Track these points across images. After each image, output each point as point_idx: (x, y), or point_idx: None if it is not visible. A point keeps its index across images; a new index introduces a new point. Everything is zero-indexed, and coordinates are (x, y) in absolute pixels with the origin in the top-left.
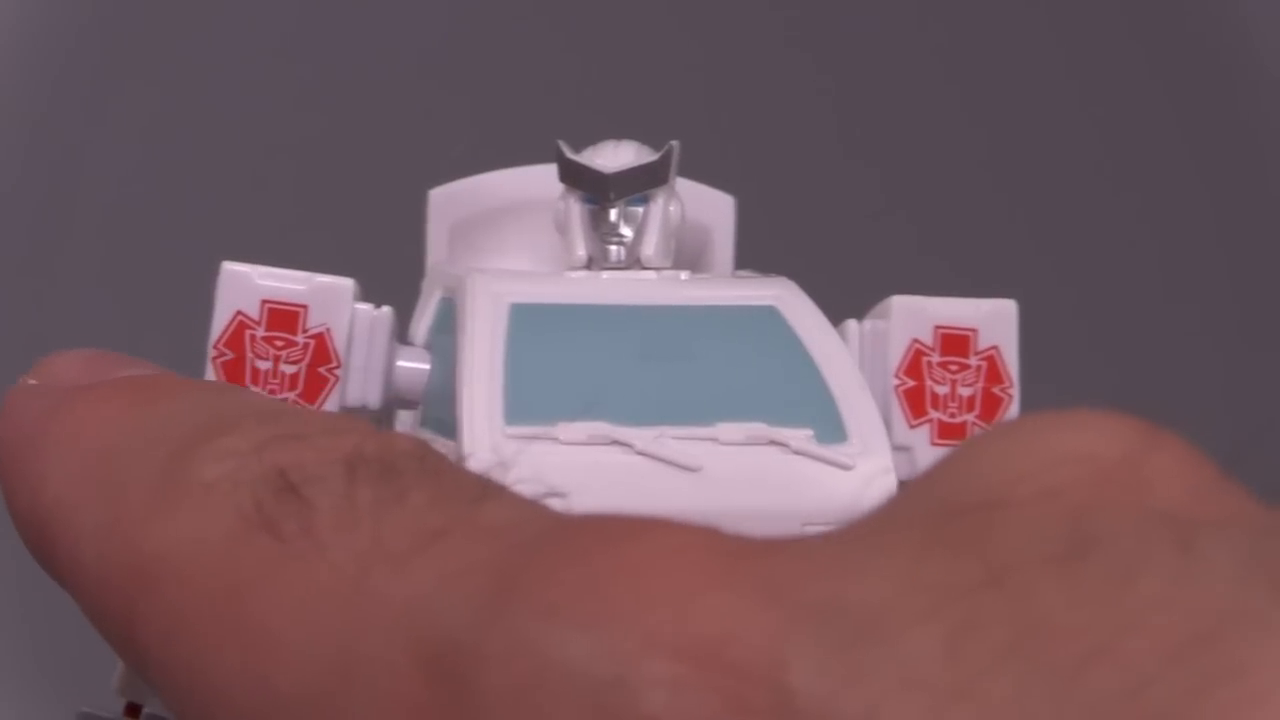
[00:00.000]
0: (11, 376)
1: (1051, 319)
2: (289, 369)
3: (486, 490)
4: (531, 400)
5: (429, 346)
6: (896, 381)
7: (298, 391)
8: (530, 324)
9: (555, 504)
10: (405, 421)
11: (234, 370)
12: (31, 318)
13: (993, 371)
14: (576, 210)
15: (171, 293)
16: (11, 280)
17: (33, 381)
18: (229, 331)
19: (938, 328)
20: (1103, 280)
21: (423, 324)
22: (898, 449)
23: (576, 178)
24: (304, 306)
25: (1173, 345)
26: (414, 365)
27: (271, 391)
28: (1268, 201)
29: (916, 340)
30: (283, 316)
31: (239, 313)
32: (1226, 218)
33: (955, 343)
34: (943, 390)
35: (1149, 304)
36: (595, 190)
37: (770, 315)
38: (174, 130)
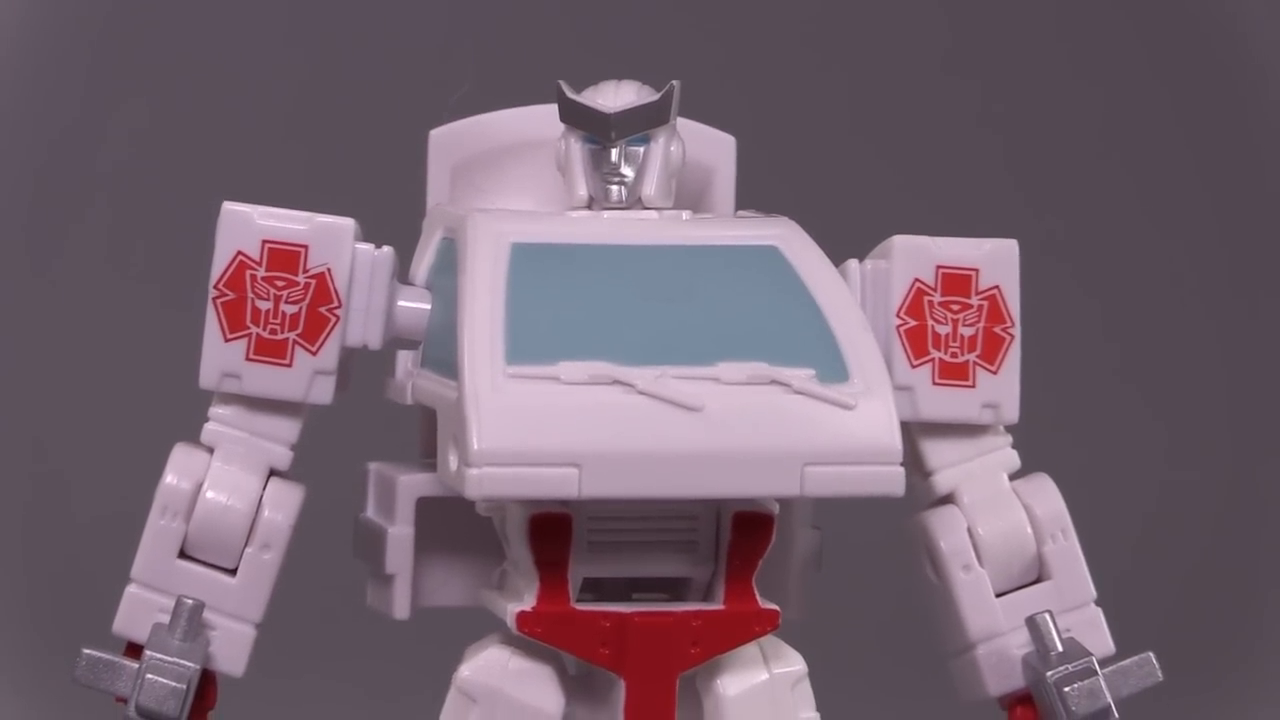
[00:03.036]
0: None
1: (1054, 259)
2: (289, 309)
3: None
4: (533, 340)
5: (430, 287)
6: (898, 321)
7: (298, 331)
8: (531, 264)
9: (568, 473)
10: (406, 361)
11: (234, 310)
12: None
13: (994, 311)
14: (577, 150)
15: (170, 235)
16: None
17: None
18: (229, 271)
19: (939, 267)
20: (1103, 219)
21: (423, 264)
22: (899, 388)
23: (578, 118)
24: (305, 246)
25: (1171, 287)
26: (415, 305)
27: (272, 332)
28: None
29: (918, 280)
30: (283, 256)
31: (239, 253)
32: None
33: (957, 282)
34: (944, 330)
35: (1147, 246)
36: (596, 130)
37: (772, 255)
38: (174, 71)
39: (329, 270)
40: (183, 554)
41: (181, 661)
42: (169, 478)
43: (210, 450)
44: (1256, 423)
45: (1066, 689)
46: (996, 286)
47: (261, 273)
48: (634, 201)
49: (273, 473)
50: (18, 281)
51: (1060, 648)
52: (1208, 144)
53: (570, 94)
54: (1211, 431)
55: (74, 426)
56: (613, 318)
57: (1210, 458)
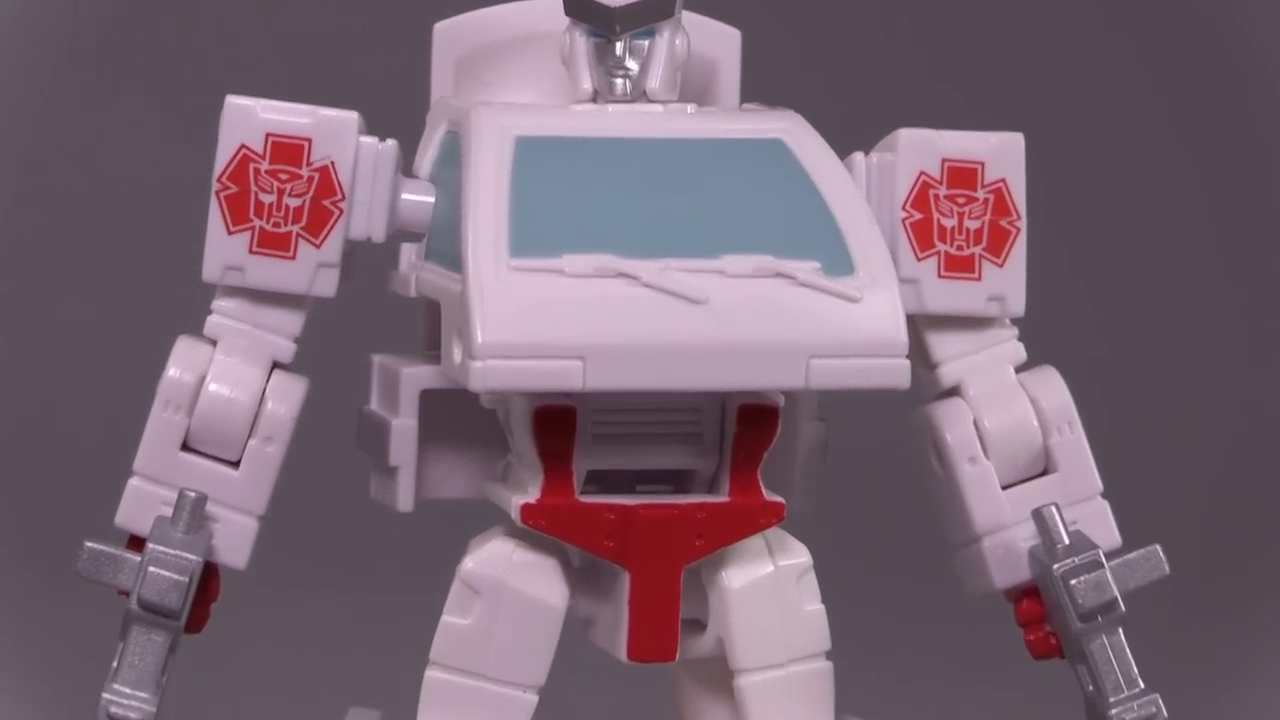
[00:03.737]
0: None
1: (1059, 153)
2: (293, 202)
3: None
4: (537, 233)
5: (434, 180)
6: (904, 214)
7: (302, 224)
8: (535, 157)
9: (572, 365)
10: (409, 254)
11: (237, 203)
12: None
13: (1000, 204)
14: (582, 44)
15: (170, 131)
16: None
17: None
18: (233, 165)
19: (945, 160)
20: (1111, 115)
21: (427, 158)
22: (904, 281)
23: (582, 11)
24: (308, 139)
25: (1183, 181)
26: (419, 198)
27: (275, 225)
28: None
29: (924, 173)
30: (287, 149)
31: (243, 146)
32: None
33: (963, 175)
34: (950, 223)
35: (1159, 137)
36: (601, 24)
37: (777, 148)
38: None
39: (333, 163)
40: (185, 447)
41: (184, 554)
42: (171, 370)
43: (213, 343)
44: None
45: (1073, 581)
46: (1003, 180)
47: (265, 166)
48: (638, 95)
49: (276, 365)
50: (20, 175)
51: (1066, 540)
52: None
53: None
54: (1223, 325)
55: (75, 324)
56: (617, 210)
57: (1224, 354)
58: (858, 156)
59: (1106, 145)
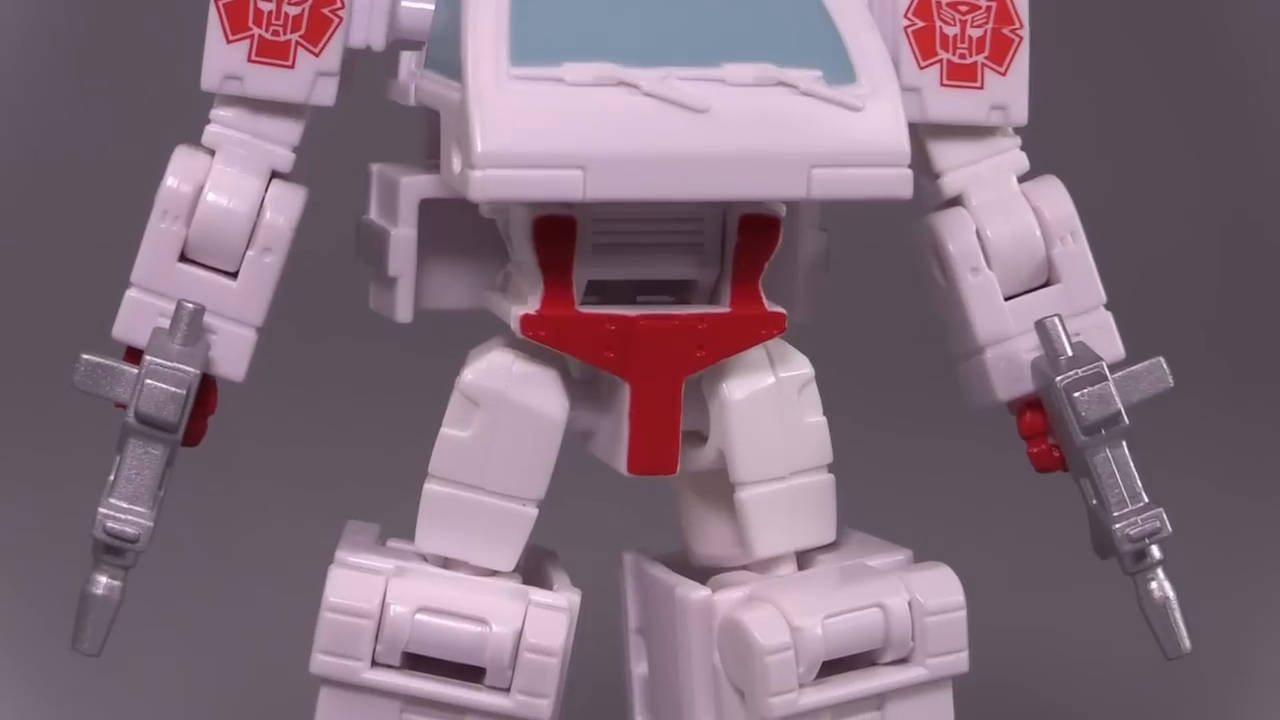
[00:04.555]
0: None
1: None
2: (292, 10)
3: None
4: (537, 40)
5: None
6: (906, 22)
7: (301, 33)
8: None
9: (572, 174)
10: (409, 62)
11: (236, 12)
12: None
13: (1003, 12)
14: None
15: None
16: None
17: None
18: None
19: None
20: None
21: None
22: (907, 90)
23: None
24: None
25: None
26: (418, 5)
27: (274, 33)
28: None
29: None
30: None
31: None
32: None
33: None
34: (952, 31)
35: None
36: None
37: None
38: None
39: None
40: (183, 258)
41: (181, 366)
42: (169, 180)
43: (211, 153)
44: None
45: (1076, 394)
46: None
47: None
48: None
49: (274, 175)
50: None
51: (1070, 352)
52: None
53: None
54: (1222, 137)
55: (73, 134)
56: (617, 17)
57: (1222, 163)
58: None
59: None
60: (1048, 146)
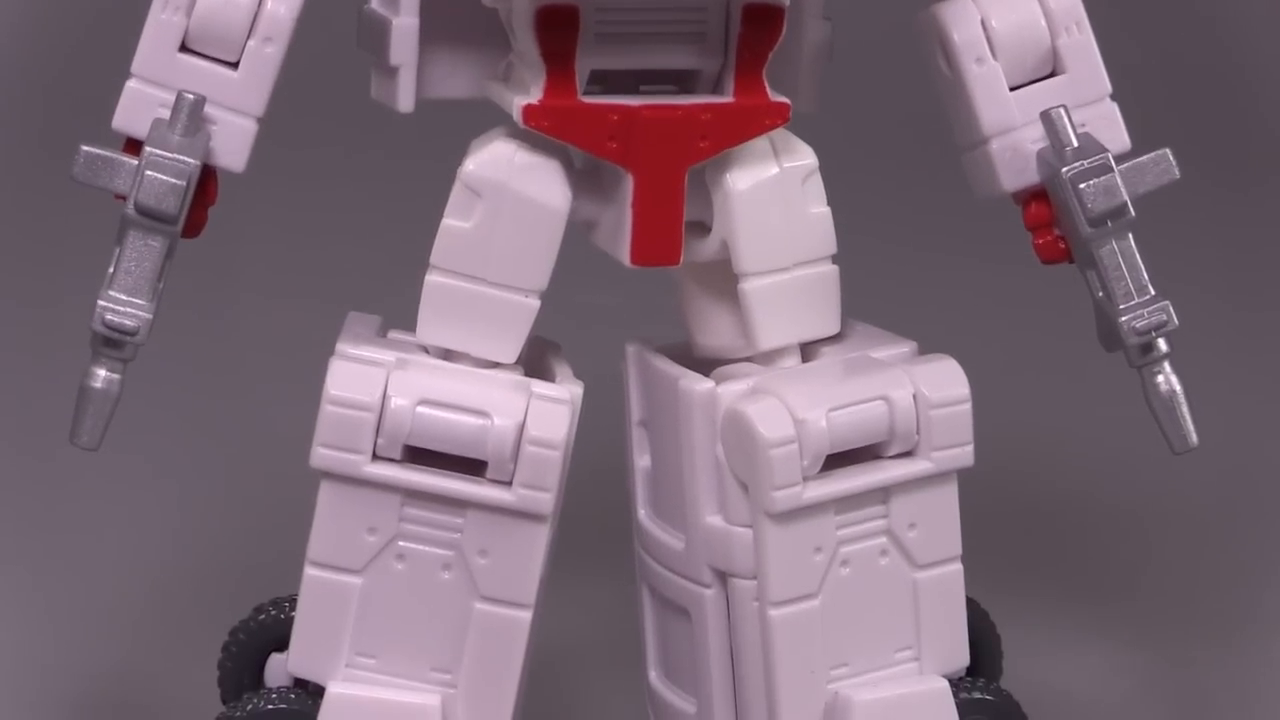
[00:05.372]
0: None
1: None
2: None
3: None
4: None
5: None
6: None
7: None
8: None
9: None
10: None
11: None
12: None
13: None
14: None
15: None
16: None
17: None
18: None
19: None
20: None
21: None
22: None
23: None
24: None
25: None
26: None
27: None
28: None
29: None
30: None
31: None
32: None
33: None
34: None
35: None
36: None
37: None
38: None
39: None
40: (184, 48)
41: (181, 157)
42: None
43: None
44: None
45: (1082, 185)
46: None
47: None
48: None
49: None
50: None
51: (1075, 143)
52: None
53: None
54: None
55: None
56: None
57: None
58: None
59: None
60: None
